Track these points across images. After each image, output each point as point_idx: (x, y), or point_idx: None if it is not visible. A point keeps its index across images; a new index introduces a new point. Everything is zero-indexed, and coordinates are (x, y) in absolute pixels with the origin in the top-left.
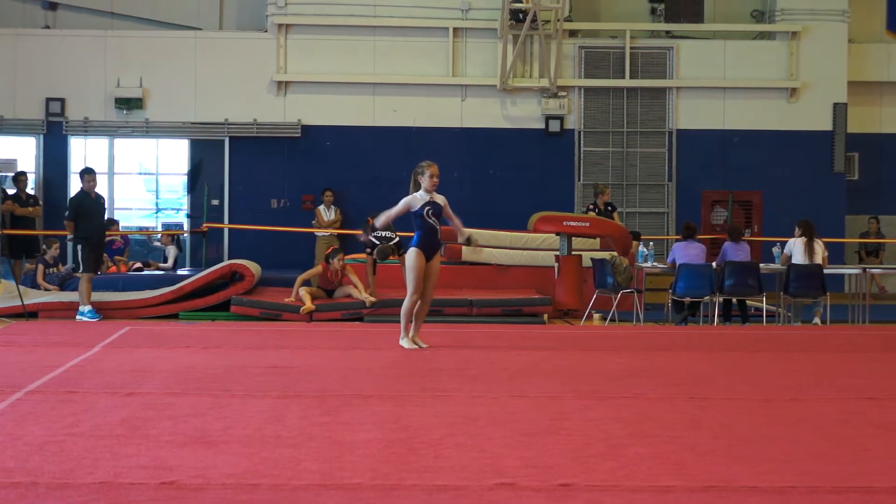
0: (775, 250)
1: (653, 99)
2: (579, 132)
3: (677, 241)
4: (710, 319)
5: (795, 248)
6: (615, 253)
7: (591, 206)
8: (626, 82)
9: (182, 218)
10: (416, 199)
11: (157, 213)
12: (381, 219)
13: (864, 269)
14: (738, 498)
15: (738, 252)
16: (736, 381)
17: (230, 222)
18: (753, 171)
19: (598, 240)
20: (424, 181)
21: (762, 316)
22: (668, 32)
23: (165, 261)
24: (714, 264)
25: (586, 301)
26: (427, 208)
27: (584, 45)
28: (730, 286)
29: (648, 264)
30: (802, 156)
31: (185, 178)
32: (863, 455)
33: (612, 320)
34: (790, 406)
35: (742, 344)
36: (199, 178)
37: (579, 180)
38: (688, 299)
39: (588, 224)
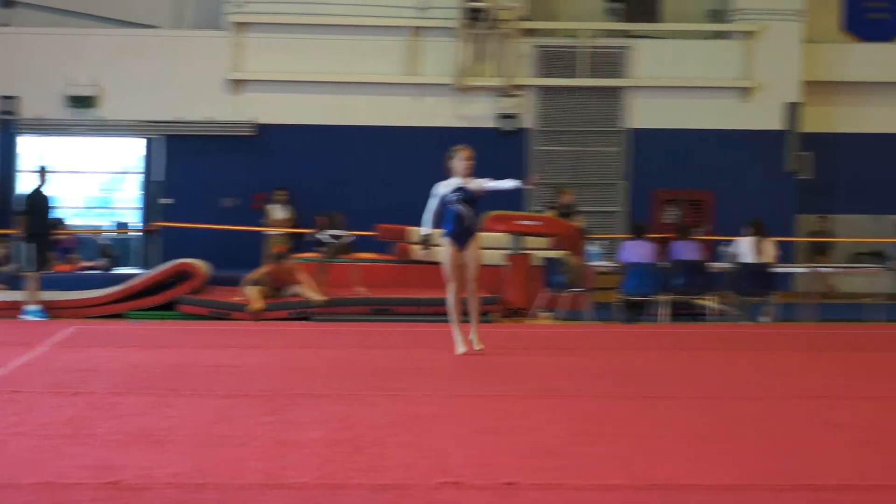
0: (725, 249)
1: (608, 98)
2: (533, 131)
3: (627, 239)
4: (659, 318)
5: (745, 247)
6: (566, 252)
7: (552, 205)
8: (582, 81)
9: (134, 216)
10: (444, 184)
11: (107, 211)
12: (425, 217)
13: (814, 268)
14: (682, 496)
15: (687, 251)
16: (683, 379)
17: (183, 221)
18: (706, 171)
19: (549, 238)
20: (457, 165)
21: (711, 315)
22: (624, 32)
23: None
24: (663, 263)
25: (535, 300)
26: (457, 194)
27: (541, 44)
28: (679, 285)
29: (598, 263)
30: (755, 155)
31: (139, 177)
32: (808, 453)
33: (562, 319)
34: (736, 404)
35: (690, 343)
36: (153, 176)
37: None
38: (637, 298)
39: (540, 223)
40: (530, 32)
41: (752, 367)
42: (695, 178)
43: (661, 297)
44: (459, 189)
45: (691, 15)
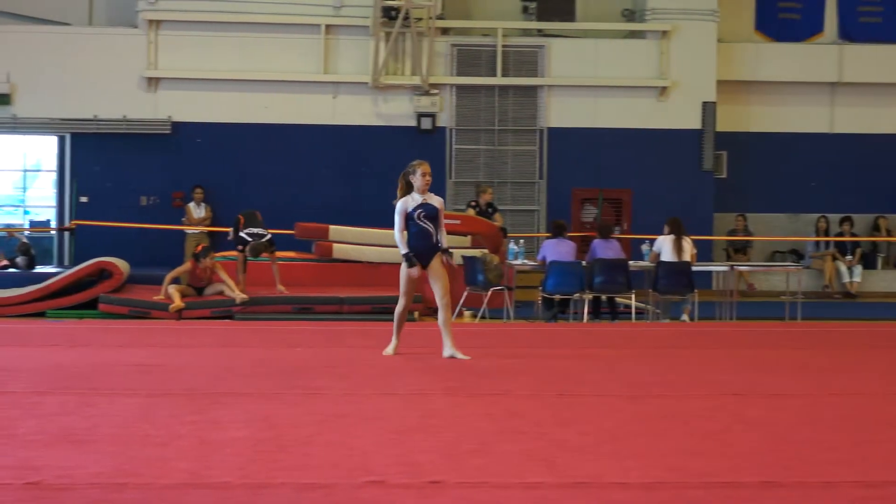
0: (644, 248)
1: (524, 97)
2: (451, 130)
3: (547, 238)
4: (580, 317)
5: (664, 246)
6: (486, 250)
7: (473, 204)
8: (498, 80)
9: (49, 215)
10: (407, 201)
11: (21, 209)
12: (398, 240)
13: (732, 267)
14: (605, 494)
15: (607, 249)
16: (604, 377)
17: (99, 219)
18: (623, 170)
19: (469, 237)
20: (416, 181)
21: (631, 313)
22: (539, 31)
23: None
24: (584, 262)
25: (457, 298)
26: (419, 210)
27: (457, 42)
28: (599, 283)
29: (519, 262)
30: (672, 154)
31: (53, 175)
32: (729, 450)
33: (483, 318)
34: (657, 402)
35: (611, 341)
36: (68, 174)
37: (451, 178)
38: (557, 296)
39: (459, 222)
40: (446, 31)
41: (671, 364)
42: (613, 176)
43: (582, 296)
44: (423, 206)
45: (606, 14)
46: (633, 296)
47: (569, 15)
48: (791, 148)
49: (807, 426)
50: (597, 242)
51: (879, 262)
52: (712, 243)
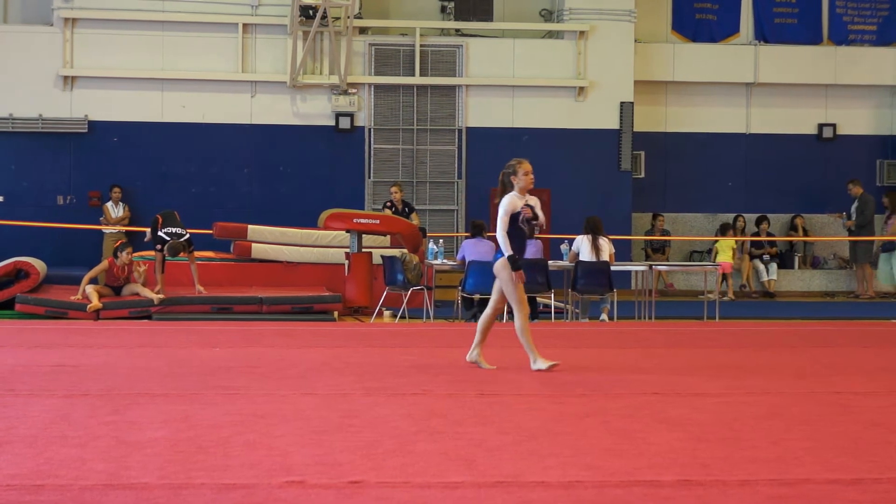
0: (563, 247)
1: (443, 97)
2: (370, 129)
3: (466, 238)
4: (501, 316)
5: (583, 246)
6: (405, 250)
7: (389, 204)
8: (417, 80)
9: None
10: (515, 201)
11: None
12: (499, 237)
13: (651, 266)
14: (525, 493)
15: (528, 249)
16: (523, 377)
17: (15, 219)
18: (542, 169)
19: (388, 237)
20: (519, 181)
21: (551, 312)
22: (457, 31)
23: None
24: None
25: (376, 298)
26: (523, 213)
27: (375, 42)
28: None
29: (438, 261)
30: (590, 154)
31: None
32: (647, 449)
33: (403, 317)
34: (577, 401)
35: None
36: None
37: (370, 177)
38: (477, 296)
39: (378, 221)
40: (364, 30)
41: (591, 364)
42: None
43: None
44: (527, 207)
45: (524, 14)
46: (552, 295)
47: (486, 15)
48: (708, 148)
49: (725, 425)
50: None
51: (796, 262)
52: (631, 243)
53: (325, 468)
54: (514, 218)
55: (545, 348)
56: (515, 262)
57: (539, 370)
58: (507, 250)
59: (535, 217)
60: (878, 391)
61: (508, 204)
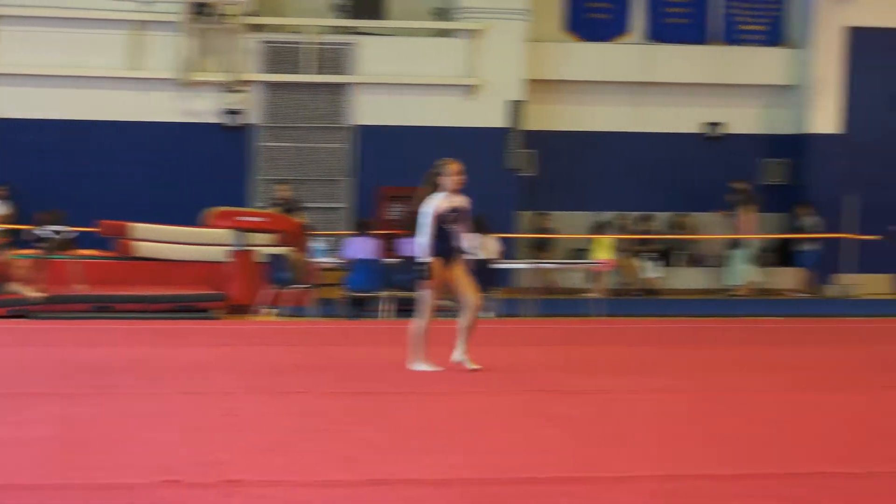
0: None
1: (335, 94)
2: (259, 127)
3: (352, 236)
4: (384, 314)
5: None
6: (291, 248)
7: (276, 202)
8: (308, 77)
9: None
10: (440, 202)
11: None
12: (423, 242)
13: (535, 264)
14: (403, 490)
15: (411, 247)
16: (406, 374)
17: None
18: (430, 167)
19: (274, 235)
20: (447, 181)
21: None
22: (350, 29)
23: None
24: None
25: (260, 296)
26: (451, 214)
27: (267, 39)
28: (403, 281)
29: (323, 259)
30: (480, 152)
31: None
32: (529, 446)
33: (286, 315)
34: (459, 398)
35: None
36: None
37: (258, 175)
38: (361, 294)
39: (264, 219)
40: (256, 28)
41: (476, 361)
42: (421, 174)
43: (386, 293)
44: (454, 207)
45: (416, 12)
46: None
47: (379, 13)
48: (598, 146)
49: (605, 422)
50: (402, 240)
51: (680, 260)
52: (515, 241)
53: (204, 467)
54: (440, 219)
55: (429, 346)
56: (427, 271)
57: (418, 370)
58: (423, 256)
59: (459, 218)
60: (760, 387)
61: (433, 205)
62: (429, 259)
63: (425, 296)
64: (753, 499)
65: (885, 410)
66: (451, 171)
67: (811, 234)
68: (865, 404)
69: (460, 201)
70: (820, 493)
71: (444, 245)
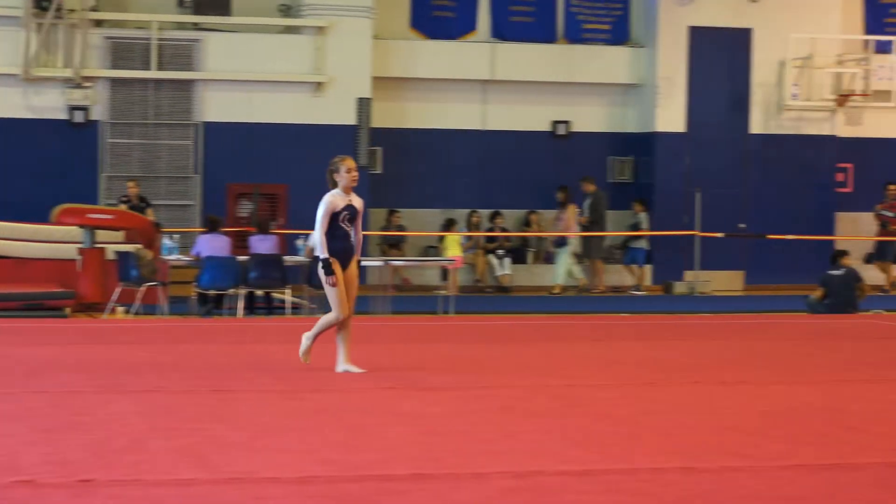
0: (299, 243)
1: (180, 91)
2: (105, 124)
3: (202, 233)
4: (235, 312)
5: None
6: (140, 246)
7: (125, 199)
8: (153, 74)
9: None
10: (336, 200)
11: None
12: (315, 240)
13: (387, 262)
14: (259, 489)
15: (264, 244)
16: (259, 372)
17: None
18: (279, 164)
19: (122, 232)
20: (341, 178)
21: (287, 308)
22: (195, 25)
23: None
24: (235, 256)
25: (110, 294)
26: (344, 212)
27: (111, 35)
28: (254, 278)
29: (173, 257)
30: (328, 149)
31: None
32: (382, 443)
33: (137, 313)
34: (312, 397)
35: (267, 336)
36: None
37: (104, 172)
38: (213, 292)
39: (112, 216)
40: (100, 23)
41: (326, 359)
42: (269, 171)
43: (237, 291)
44: (348, 207)
45: (263, 9)
46: (288, 291)
47: (225, 9)
48: (445, 144)
49: (458, 418)
50: (254, 237)
51: (530, 257)
52: (366, 238)
53: (55, 467)
54: (334, 217)
55: (283, 344)
56: (329, 266)
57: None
58: (322, 253)
59: (353, 218)
60: (608, 384)
61: (328, 203)
62: (327, 256)
63: (331, 293)
64: (601, 494)
65: (726, 405)
66: (345, 168)
67: (643, 231)
68: (708, 399)
69: (356, 201)
70: (666, 488)
71: (338, 244)
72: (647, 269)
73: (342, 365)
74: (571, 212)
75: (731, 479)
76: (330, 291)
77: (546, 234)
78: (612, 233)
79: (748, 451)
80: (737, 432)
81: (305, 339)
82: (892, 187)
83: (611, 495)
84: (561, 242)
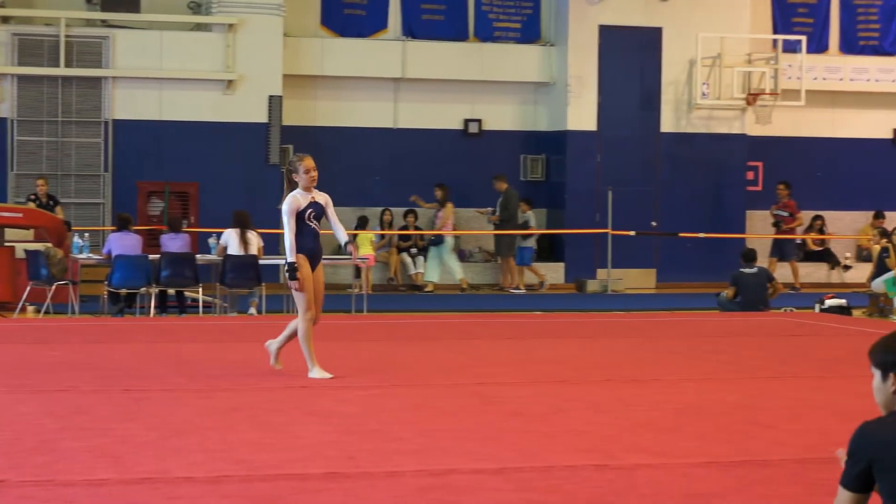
0: (211, 241)
1: (89, 89)
2: (12, 121)
3: (112, 232)
4: (147, 311)
5: (231, 239)
6: (49, 244)
7: (33, 197)
8: (62, 71)
9: None
10: (297, 199)
11: None
12: (289, 245)
13: None
14: (172, 489)
15: (175, 243)
16: (171, 371)
17: None
18: (190, 162)
19: (32, 231)
20: (300, 179)
21: (199, 307)
22: (104, 22)
23: None
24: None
25: (20, 293)
26: (309, 210)
27: (18, 32)
28: (166, 277)
29: (83, 256)
30: (239, 147)
31: None
32: (294, 442)
33: (48, 313)
34: (224, 395)
35: (179, 335)
36: None
37: (13, 170)
38: (124, 291)
39: (21, 215)
40: (7, 20)
41: (239, 358)
42: (180, 169)
43: (149, 290)
44: (312, 204)
45: (172, 6)
46: (200, 289)
47: (134, 6)
48: (357, 142)
49: (371, 417)
50: (165, 236)
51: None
52: (278, 237)
53: None
54: (300, 216)
55: (195, 343)
56: (293, 270)
57: (314, 378)
58: (289, 255)
59: (319, 216)
60: (520, 382)
61: (291, 203)
62: (293, 259)
63: (298, 298)
64: (515, 491)
65: (639, 403)
66: (304, 169)
67: (531, 230)
68: (621, 397)
69: (319, 197)
70: (580, 486)
71: (308, 243)
72: (535, 267)
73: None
74: (449, 209)
75: (645, 476)
76: (296, 296)
77: (459, 233)
78: (516, 231)
79: (661, 449)
80: (650, 430)
81: (309, 362)
82: (781, 187)
83: (525, 493)
84: (437, 241)
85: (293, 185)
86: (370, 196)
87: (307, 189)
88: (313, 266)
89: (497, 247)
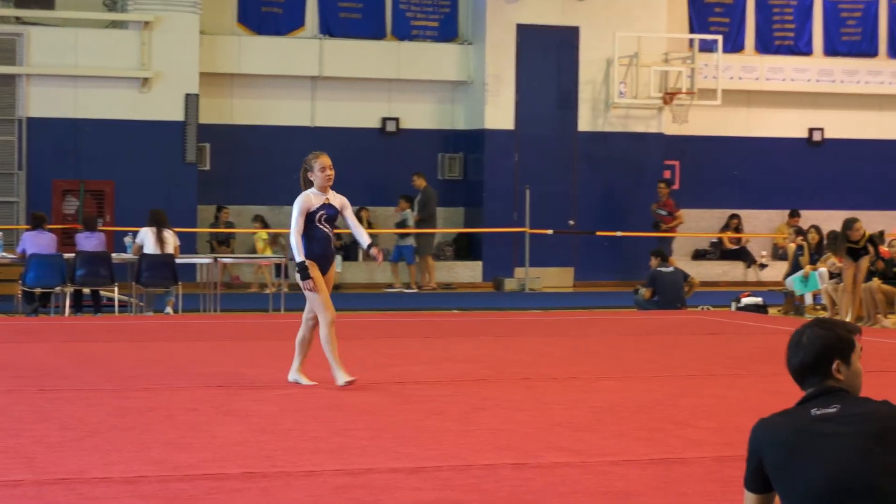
0: (127, 240)
1: (3, 86)
2: None
3: (27, 230)
4: (62, 310)
5: (147, 238)
6: None
7: None
8: None
9: None
10: (310, 199)
11: None
12: (292, 240)
13: (216, 259)
14: (88, 489)
15: (90, 241)
16: (87, 371)
17: None
18: (105, 161)
19: None
20: (316, 178)
21: (114, 306)
22: (18, 18)
23: None
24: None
25: None
26: (320, 212)
27: None
28: (81, 276)
29: None
30: (155, 146)
31: None
32: (211, 442)
33: None
34: (141, 395)
35: (94, 335)
36: None
37: None
38: (38, 290)
39: None
40: None
41: (155, 357)
42: (95, 168)
43: (64, 289)
44: (324, 206)
45: (87, 3)
46: (116, 288)
47: (48, 3)
48: (274, 141)
49: (288, 416)
50: (80, 234)
51: (360, 254)
52: (196, 235)
53: None
54: (310, 217)
55: (111, 342)
56: (304, 270)
57: (340, 385)
58: (298, 256)
59: (332, 219)
60: (439, 381)
61: (303, 203)
62: (303, 259)
63: (313, 299)
64: (434, 490)
65: (557, 401)
66: (320, 167)
67: (410, 228)
68: (539, 395)
69: (334, 200)
70: (498, 484)
71: (317, 248)
72: (414, 267)
73: (294, 374)
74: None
75: (563, 474)
76: (310, 297)
77: (378, 231)
78: (442, 229)
79: (579, 447)
80: (568, 428)
81: (333, 368)
82: (661, 185)
83: (443, 492)
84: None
85: (308, 184)
86: (288, 195)
87: (323, 189)
88: (324, 271)
89: (417, 245)
